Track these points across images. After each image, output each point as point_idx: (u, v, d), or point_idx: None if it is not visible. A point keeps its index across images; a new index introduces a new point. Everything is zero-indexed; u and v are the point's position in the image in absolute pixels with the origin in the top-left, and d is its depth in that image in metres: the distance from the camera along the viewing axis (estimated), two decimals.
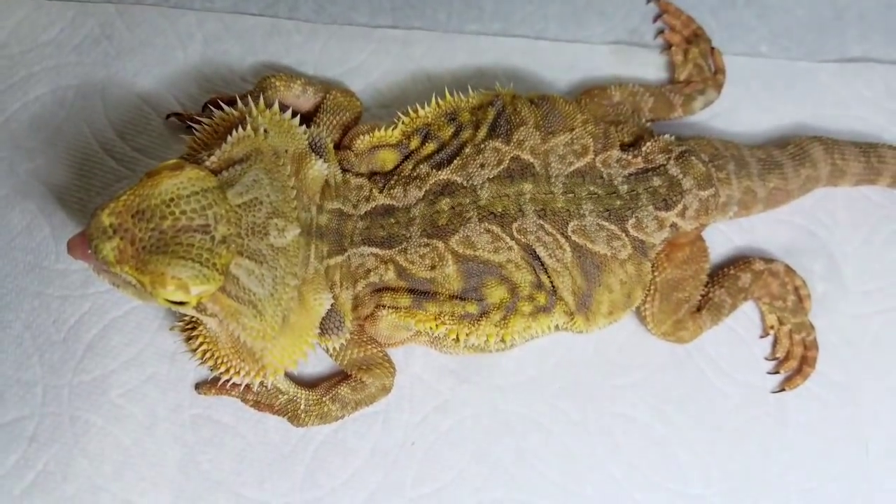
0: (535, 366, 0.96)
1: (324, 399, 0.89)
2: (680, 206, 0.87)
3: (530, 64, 1.04)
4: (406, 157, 0.87)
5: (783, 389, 0.96)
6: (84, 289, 0.91)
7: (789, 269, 0.98)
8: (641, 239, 0.86)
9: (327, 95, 0.91)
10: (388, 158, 0.86)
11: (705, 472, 0.95)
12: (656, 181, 0.87)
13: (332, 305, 0.82)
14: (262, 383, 0.87)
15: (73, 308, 0.91)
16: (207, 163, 0.75)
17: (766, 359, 0.98)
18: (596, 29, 1.06)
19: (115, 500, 0.88)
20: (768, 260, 0.97)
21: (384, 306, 0.84)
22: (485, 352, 0.90)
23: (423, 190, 0.83)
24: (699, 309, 0.95)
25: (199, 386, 0.90)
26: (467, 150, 0.85)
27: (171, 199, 0.70)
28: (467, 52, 1.03)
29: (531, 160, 0.85)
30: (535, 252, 0.83)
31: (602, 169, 0.87)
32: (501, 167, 0.84)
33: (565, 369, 0.96)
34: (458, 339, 0.86)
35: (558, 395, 0.95)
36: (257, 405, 0.90)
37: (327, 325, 0.83)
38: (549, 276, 0.84)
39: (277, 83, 0.91)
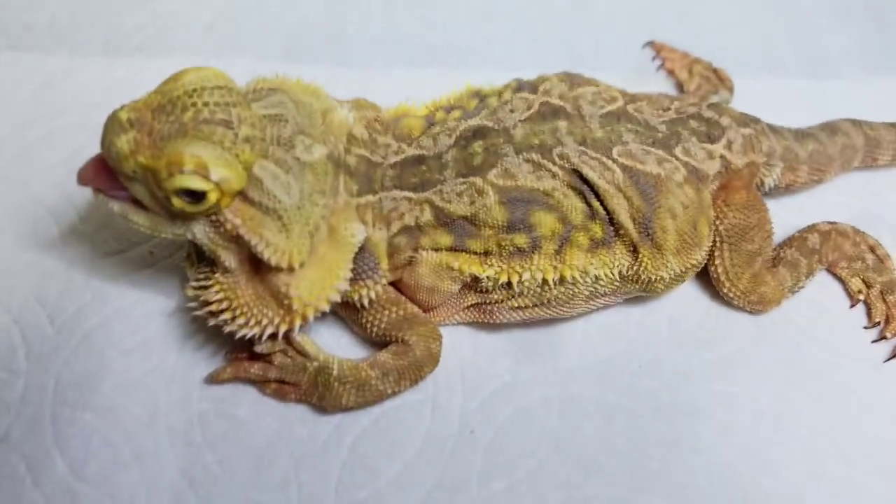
0: (606, 346, 0.82)
1: (361, 364, 0.74)
2: (724, 140, 0.83)
3: None
4: (432, 124, 0.84)
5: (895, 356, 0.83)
6: (87, 278, 0.81)
7: (857, 230, 0.90)
8: (693, 165, 0.80)
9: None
10: (415, 125, 0.80)
11: (838, 448, 0.76)
12: (693, 123, 0.84)
13: (365, 245, 0.72)
14: (286, 351, 0.74)
15: (72, 298, 0.79)
16: None
17: (866, 327, 0.85)
18: (598, 75, 1.11)
19: None
20: (832, 222, 0.90)
21: (423, 248, 0.74)
22: (546, 307, 0.77)
23: (454, 137, 0.78)
24: (774, 265, 0.86)
25: (211, 375, 0.75)
26: (495, 103, 0.83)
27: (195, 90, 0.65)
28: None
29: (561, 103, 0.81)
30: (582, 174, 0.75)
31: (635, 114, 0.84)
32: (532, 110, 0.80)
33: (641, 347, 0.82)
34: (510, 285, 0.75)
35: (639, 374, 0.80)
36: (280, 390, 0.74)
37: (361, 267, 0.72)
38: (601, 201, 0.75)
39: None
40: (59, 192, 0.87)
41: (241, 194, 0.65)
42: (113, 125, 0.63)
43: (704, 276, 0.86)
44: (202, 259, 0.72)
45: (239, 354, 0.76)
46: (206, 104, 0.64)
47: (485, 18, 1.17)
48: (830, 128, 0.96)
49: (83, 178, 0.67)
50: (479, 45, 1.13)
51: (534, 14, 1.19)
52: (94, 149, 0.88)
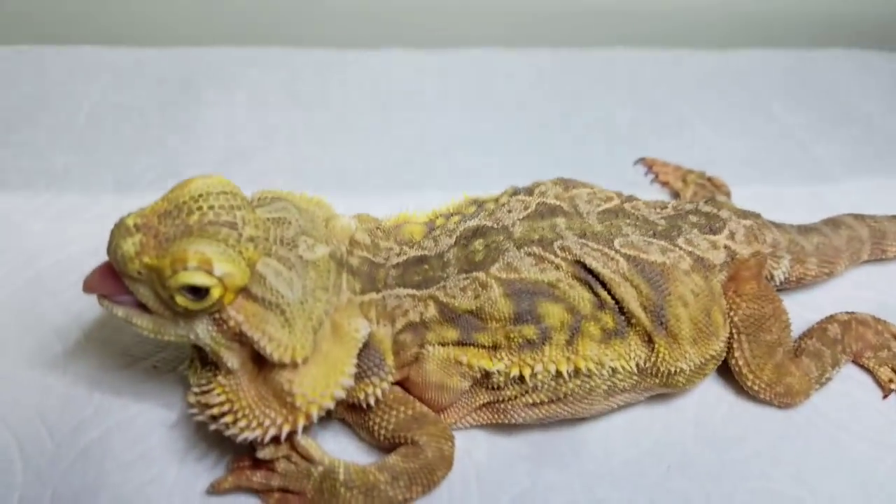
0: (630, 447, 0.78)
1: (369, 468, 0.70)
2: (726, 231, 0.83)
3: None
4: (432, 230, 0.84)
5: None
6: (89, 393, 0.78)
7: (878, 318, 0.88)
8: (697, 254, 0.79)
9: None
10: (416, 231, 0.81)
11: None
12: (693, 217, 0.84)
13: (369, 341, 0.71)
14: (289, 457, 0.70)
15: (73, 413, 0.76)
16: None
17: None
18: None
19: None
20: (850, 312, 0.88)
21: (429, 343, 0.73)
22: (563, 403, 0.74)
23: (454, 237, 0.79)
24: (797, 356, 0.83)
25: (213, 485, 0.70)
26: (492, 207, 0.84)
27: (200, 195, 0.66)
28: None
29: (558, 203, 0.82)
30: (586, 265, 0.74)
31: (633, 211, 0.84)
32: (529, 210, 0.81)
33: (668, 447, 0.78)
34: (523, 380, 0.72)
35: (669, 476, 0.75)
36: (283, 500, 0.70)
37: (366, 364, 0.70)
38: (608, 290, 0.74)
39: None
40: (65, 314, 0.86)
41: (244, 291, 0.64)
42: (119, 230, 0.64)
43: (727, 374, 0.83)
44: (205, 365, 0.70)
45: (241, 462, 0.72)
46: (210, 207, 0.65)
47: (477, 143, 1.22)
48: (833, 222, 0.96)
49: (88, 284, 0.67)
50: (477, 168, 1.17)
51: (526, 135, 1.25)
52: None
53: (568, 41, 1.52)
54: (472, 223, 0.80)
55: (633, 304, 0.74)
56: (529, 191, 0.84)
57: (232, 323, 0.64)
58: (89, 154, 1.13)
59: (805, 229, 0.93)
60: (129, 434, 0.75)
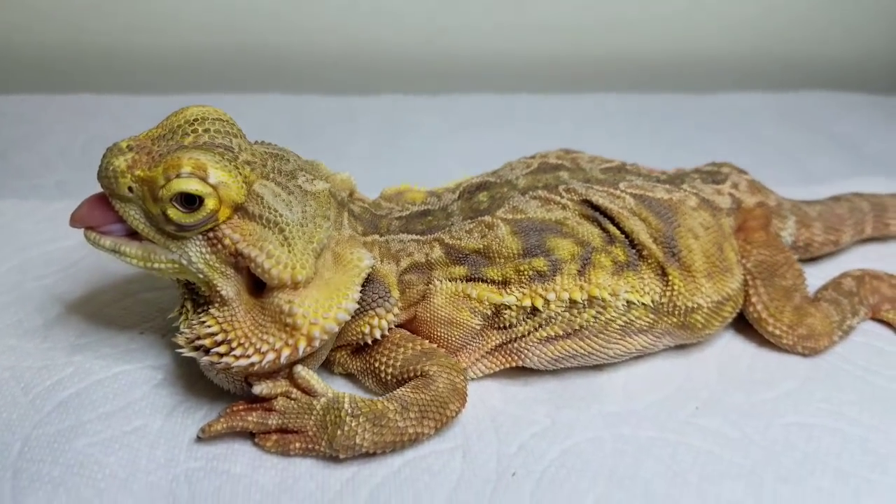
0: (653, 392, 0.73)
1: (377, 399, 0.64)
2: (729, 182, 0.83)
3: None
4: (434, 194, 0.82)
5: None
6: (69, 357, 0.72)
7: (890, 273, 0.86)
8: (703, 196, 0.78)
9: None
10: (417, 197, 0.79)
11: None
12: (694, 174, 0.84)
13: (373, 275, 0.67)
14: (288, 394, 0.64)
15: (51, 373, 0.70)
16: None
17: None
18: None
19: None
20: (861, 269, 0.86)
21: (437, 279, 0.70)
22: (578, 338, 0.70)
23: (458, 192, 0.77)
24: (816, 301, 0.80)
25: (203, 429, 0.64)
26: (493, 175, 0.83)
27: (196, 120, 0.64)
28: None
29: (560, 162, 0.81)
30: (593, 203, 0.73)
31: (634, 169, 0.83)
32: (532, 168, 0.80)
33: (692, 392, 0.73)
34: (535, 312, 0.69)
35: (698, 415, 0.70)
36: (282, 441, 0.63)
37: (370, 296, 0.67)
38: (616, 225, 0.72)
39: None
40: (48, 293, 0.82)
41: (241, 210, 0.61)
42: (112, 150, 0.62)
43: (747, 329, 0.80)
44: (197, 308, 0.66)
45: (235, 406, 0.65)
46: (206, 130, 0.63)
47: None
48: (834, 197, 0.96)
49: (76, 217, 0.64)
50: None
51: None
52: (92, 262, 0.88)
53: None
54: (476, 180, 0.79)
55: (644, 236, 0.72)
56: (531, 157, 0.84)
57: (227, 241, 0.61)
58: (81, 176, 1.12)
59: (807, 202, 0.93)
60: (111, 389, 0.69)
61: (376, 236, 0.71)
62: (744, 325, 0.80)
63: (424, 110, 1.43)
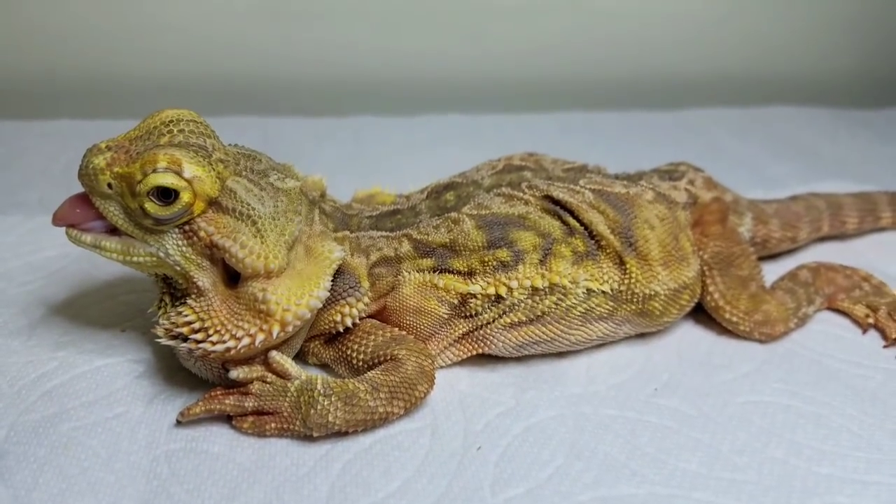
0: (614, 375, 0.76)
1: (348, 380, 0.67)
2: (686, 179, 0.87)
3: None
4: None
5: None
6: (53, 352, 0.75)
7: (846, 266, 0.90)
8: (659, 191, 0.82)
9: None
10: (387, 199, 0.84)
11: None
12: (652, 174, 0.88)
13: (343, 267, 0.71)
14: (264, 378, 0.67)
15: (35, 367, 0.72)
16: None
17: (886, 346, 0.81)
18: None
19: None
20: (816, 261, 0.90)
21: (405, 270, 0.73)
22: (541, 324, 0.73)
23: (426, 192, 0.82)
24: (772, 290, 0.84)
25: (182, 413, 0.66)
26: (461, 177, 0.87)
27: (171, 121, 0.68)
28: None
29: (524, 163, 0.85)
30: (553, 197, 0.77)
31: (594, 170, 0.87)
32: (497, 169, 0.84)
33: (653, 375, 0.76)
34: (500, 300, 0.72)
35: (657, 395, 0.73)
36: (258, 423, 0.66)
37: (341, 287, 0.71)
38: (576, 217, 0.76)
39: None
40: (32, 297, 0.85)
41: (215, 204, 0.65)
42: (91, 150, 0.66)
43: (706, 320, 0.84)
44: (175, 301, 0.69)
45: (213, 392, 0.68)
46: (181, 131, 0.67)
47: None
48: (791, 196, 1.01)
49: (58, 216, 0.67)
50: None
51: None
52: (74, 269, 0.91)
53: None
54: (444, 181, 0.83)
55: (602, 227, 0.75)
56: (496, 160, 0.88)
57: (202, 234, 0.64)
58: (63, 194, 1.14)
59: (764, 200, 0.97)
60: (94, 380, 0.71)
61: (347, 233, 0.75)
62: (704, 315, 0.84)
63: (392, 129, 1.47)
